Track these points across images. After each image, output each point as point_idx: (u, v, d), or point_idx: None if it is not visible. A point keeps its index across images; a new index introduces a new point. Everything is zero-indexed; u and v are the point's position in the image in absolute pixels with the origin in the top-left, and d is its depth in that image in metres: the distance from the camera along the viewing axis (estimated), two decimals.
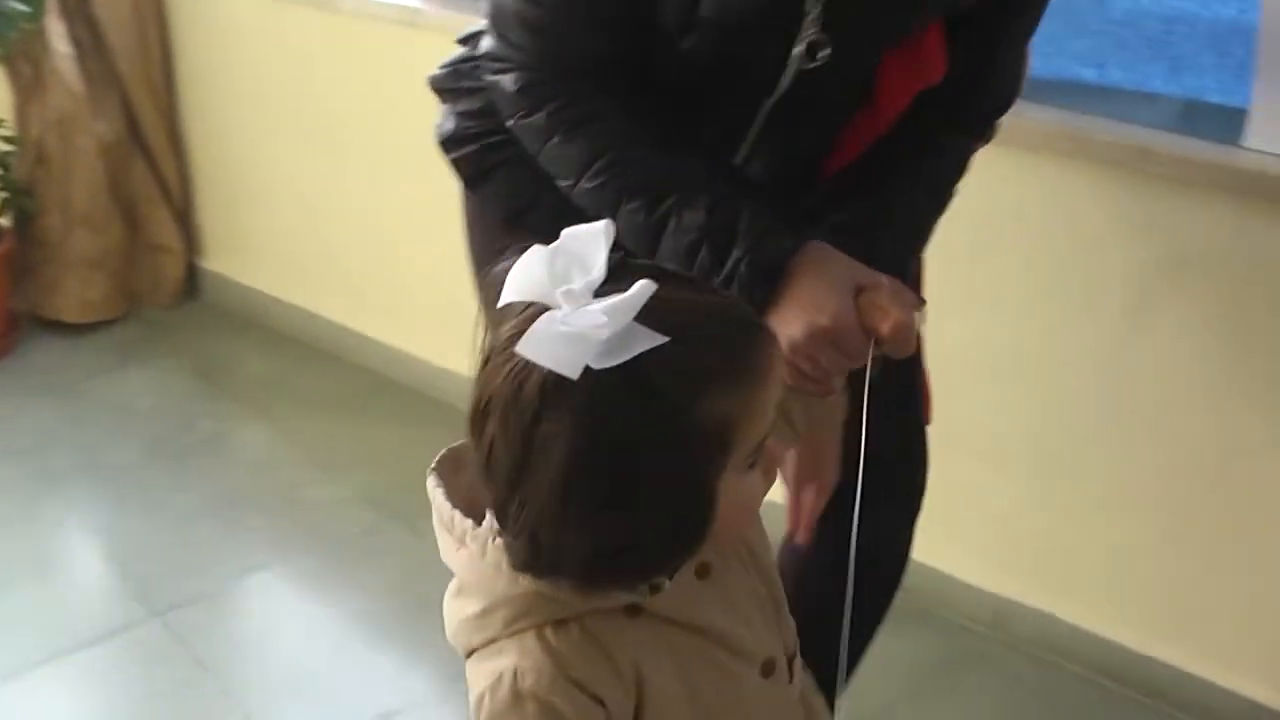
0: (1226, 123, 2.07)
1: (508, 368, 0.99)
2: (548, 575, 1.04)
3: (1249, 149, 2.04)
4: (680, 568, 1.08)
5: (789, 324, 1.24)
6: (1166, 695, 2.35)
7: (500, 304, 1.03)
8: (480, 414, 1.02)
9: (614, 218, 1.15)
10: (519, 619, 1.07)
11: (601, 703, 1.06)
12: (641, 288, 0.97)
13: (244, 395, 3.41)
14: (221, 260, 3.83)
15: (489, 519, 1.07)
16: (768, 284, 1.27)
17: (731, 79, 1.38)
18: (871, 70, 1.39)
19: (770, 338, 1.06)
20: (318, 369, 3.47)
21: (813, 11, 1.30)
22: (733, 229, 1.29)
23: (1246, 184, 2.01)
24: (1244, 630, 2.25)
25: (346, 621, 2.58)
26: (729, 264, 1.28)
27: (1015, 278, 2.19)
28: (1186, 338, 2.13)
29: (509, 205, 1.48)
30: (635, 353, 0.96)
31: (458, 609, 1.11)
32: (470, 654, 1.11)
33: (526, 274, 1.02)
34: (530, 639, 1.07)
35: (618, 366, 0.96)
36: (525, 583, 1.05)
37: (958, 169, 1.49)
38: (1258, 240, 2.03)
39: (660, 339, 0.97)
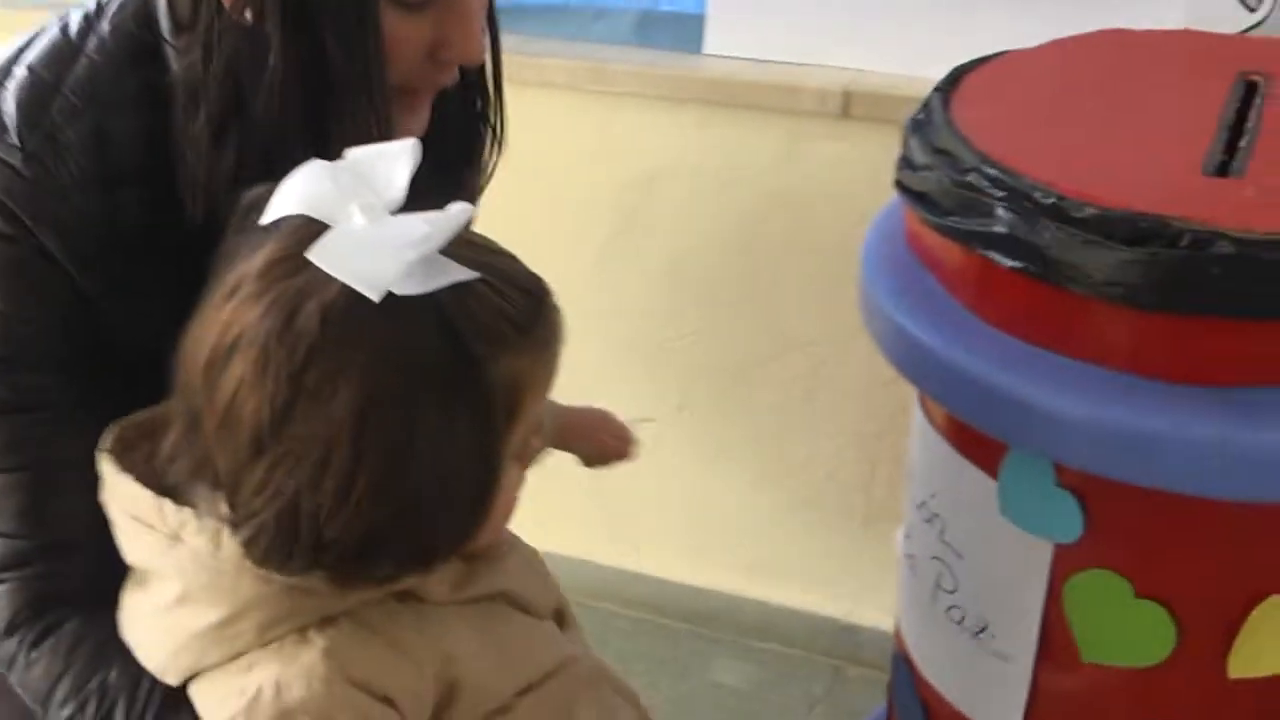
0: (685, 30, 1.99)
1: (269, 296, 0.81)
2: (302, 564, 0.85)
3: (709, 55, 1.97)
4: (453, 553, 0.92)
5: None
6: (706, 618, 2.32)
7: (265, 219, 0.85)
8: (220, 357, 0.82)
9: None
10: (277, 623, 0.88)
11: (392, 703, 0.89)
12: (463, 209, 0.83)
13: None
14: None
15: (210, 504, 0.88)
16: None
17: None
18: None
19: (558, 313, 0.91)
20: None
21: None
22: None
23: (709, 92, 1.94)
24: (775, 544, 2.24)
25: None
26: None
27: (499, 210, 2.08)
28: (672, 251, 2.07)
29: None
30: (445, 283, 0.81)
31: (180, 623, 0.90)
32: (196, 676, 0.91)
33: (307, 185, 0.84)
34: (291, 644, 0.88)
35: (422, 297, 0.80)
36: (279, 577, 0.86)
37: None
38: (727, 146, 1.97)
39: (472, 274, 0.82)
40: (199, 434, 0.86)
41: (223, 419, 0.83)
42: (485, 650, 0.96)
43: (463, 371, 0.83)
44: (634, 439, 1.50)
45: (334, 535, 0.83)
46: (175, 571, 0.90)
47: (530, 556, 1.08)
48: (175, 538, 0.89)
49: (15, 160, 1.00)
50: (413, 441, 0.82)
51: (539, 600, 1.05)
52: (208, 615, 0.89)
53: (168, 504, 0.90)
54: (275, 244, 0.83)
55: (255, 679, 0.87)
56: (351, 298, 0.79)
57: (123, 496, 0.93)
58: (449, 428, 0.83)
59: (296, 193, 0.85)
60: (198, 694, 0.91)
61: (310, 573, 0.86)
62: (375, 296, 0.78)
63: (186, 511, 0.89)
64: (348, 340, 0.80)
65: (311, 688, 0.86)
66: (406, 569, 0.90)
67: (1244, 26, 1.68)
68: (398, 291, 0.79)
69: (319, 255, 0.80)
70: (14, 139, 1.01)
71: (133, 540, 0.93)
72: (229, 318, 0.82)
